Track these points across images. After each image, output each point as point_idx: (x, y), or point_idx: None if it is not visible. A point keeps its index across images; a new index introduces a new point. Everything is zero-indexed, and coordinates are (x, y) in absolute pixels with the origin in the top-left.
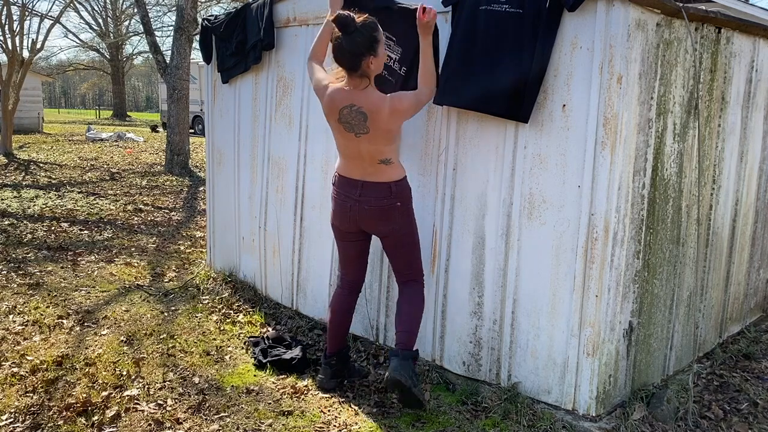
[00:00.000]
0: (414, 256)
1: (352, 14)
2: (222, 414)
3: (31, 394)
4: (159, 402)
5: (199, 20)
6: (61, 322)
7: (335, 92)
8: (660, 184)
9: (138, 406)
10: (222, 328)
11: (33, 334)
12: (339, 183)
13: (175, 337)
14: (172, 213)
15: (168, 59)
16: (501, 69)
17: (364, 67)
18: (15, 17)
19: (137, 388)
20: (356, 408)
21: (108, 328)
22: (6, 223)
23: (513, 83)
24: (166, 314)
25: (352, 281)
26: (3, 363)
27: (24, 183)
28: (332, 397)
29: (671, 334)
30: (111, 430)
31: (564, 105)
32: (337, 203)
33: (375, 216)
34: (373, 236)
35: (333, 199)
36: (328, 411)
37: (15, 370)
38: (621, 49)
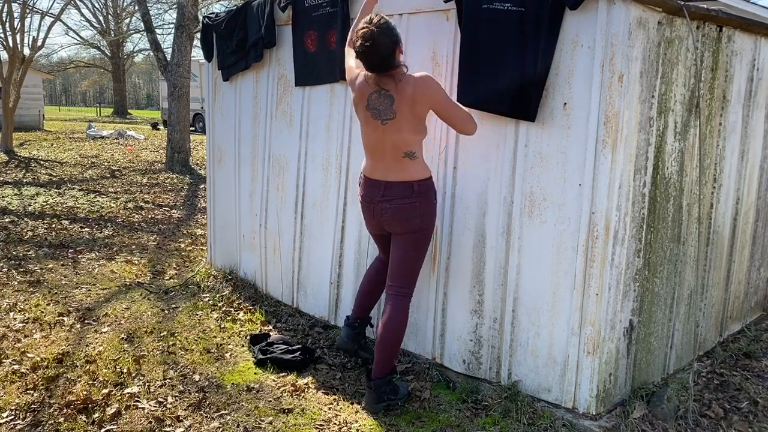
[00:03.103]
0: (416, 267)
1: (365, 25)
2: (222, 412)
3: (32, 392)
4: (159, 400)
5: (200, 18)
6: (62, 320)
7: (366, 78)
8: (661, 183)
9: (138, 403)
10: (222, 326)
11: (33, 331)
12: (363, 185)
13: (176, 334)
14: (173, 211)
15: (169, 57)
16: (505, 68)
17: (397, 59)
18: (16, 14)
19: (138, 386)
20: (357, 406)
21: (108, 325)
22: (7, 220)
23: (518, 82)
24: (166, 312)
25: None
26: (4, 360)
27: (25, 180)
28: (333, 394)
29: (671, 332)
30: (111, 427)
31: (565, 103)
32: (362, 206)
33: (395, 215)
34: None
35: (359, 201)
36: (329, 408)
37: (16, 367)
38: (622, 47)
